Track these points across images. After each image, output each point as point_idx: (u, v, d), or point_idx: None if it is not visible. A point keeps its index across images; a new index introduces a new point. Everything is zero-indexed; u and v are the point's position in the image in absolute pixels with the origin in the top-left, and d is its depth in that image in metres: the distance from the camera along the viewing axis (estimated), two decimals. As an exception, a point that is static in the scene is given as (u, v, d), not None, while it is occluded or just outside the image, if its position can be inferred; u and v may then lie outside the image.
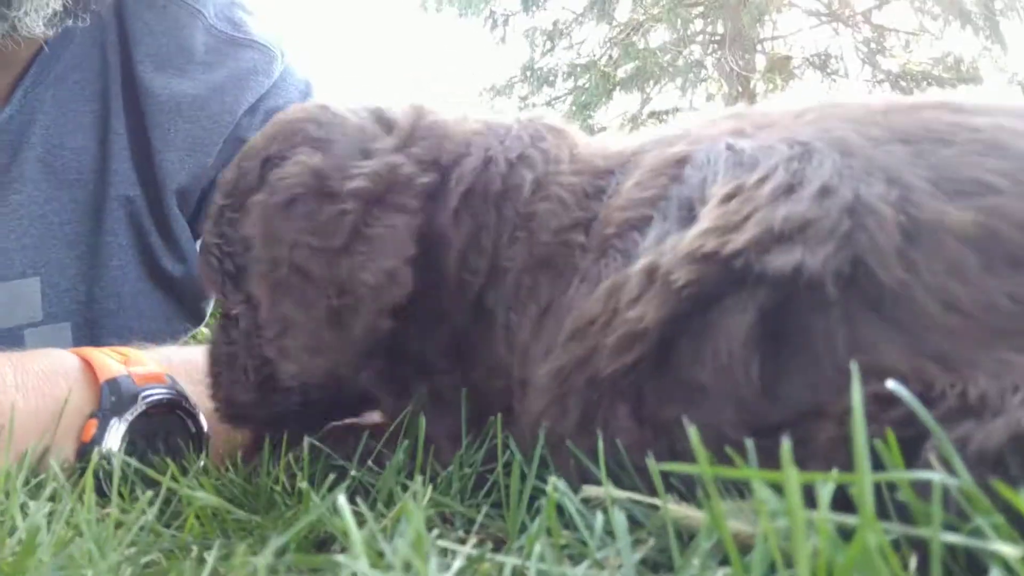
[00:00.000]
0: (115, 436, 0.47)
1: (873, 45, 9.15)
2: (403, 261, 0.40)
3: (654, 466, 0.27)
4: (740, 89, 8.67)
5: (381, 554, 0.25)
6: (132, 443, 0.47)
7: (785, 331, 0.30)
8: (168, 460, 0.39)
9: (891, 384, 0.25)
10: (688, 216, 0.33)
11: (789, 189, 0.31)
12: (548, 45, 9.31)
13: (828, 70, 9.20)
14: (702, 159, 0.35)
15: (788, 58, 9.17)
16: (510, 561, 0.25)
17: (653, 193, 0.36)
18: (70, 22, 0.69)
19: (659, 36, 9.09)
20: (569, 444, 0.34)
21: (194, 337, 0.98)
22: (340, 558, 0.24)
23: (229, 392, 0.48)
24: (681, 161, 0.36)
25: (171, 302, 0.86)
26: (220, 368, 0.48)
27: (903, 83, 8.99)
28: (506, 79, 9.25)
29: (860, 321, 0.29)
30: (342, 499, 0.25)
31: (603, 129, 9.05)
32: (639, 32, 9.11)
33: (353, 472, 0.41)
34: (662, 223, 0.34)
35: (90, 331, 0.81)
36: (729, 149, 0.34)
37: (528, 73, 9.24)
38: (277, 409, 0.47)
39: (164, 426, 0.50)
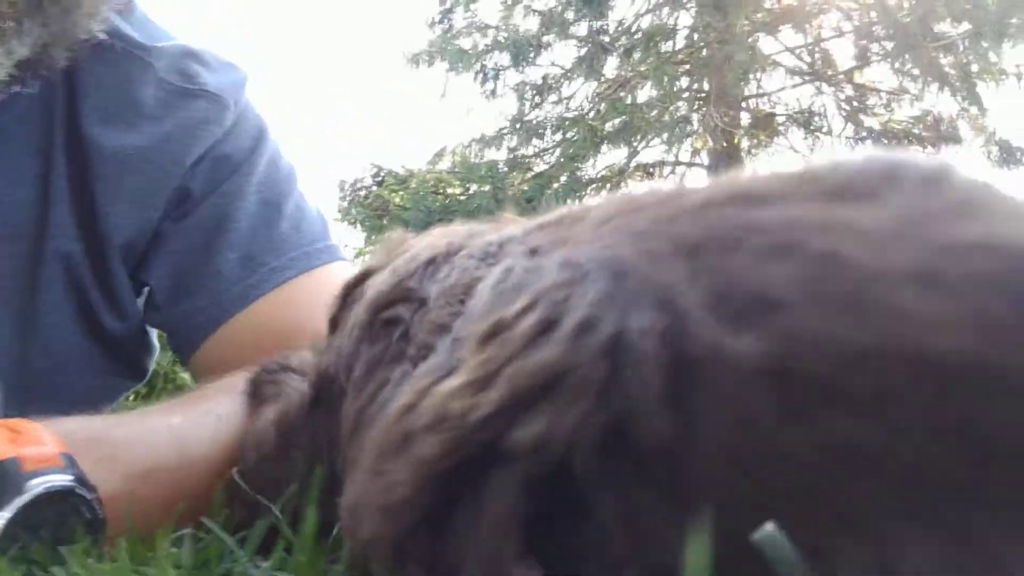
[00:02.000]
0: (-7, 529, 0.42)
1: (855, 104, 9.35)
2: None
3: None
4: (725, 144, 8.80)
5: None
6: (13, 537, 0.43)
7: (553, 510, 0.25)
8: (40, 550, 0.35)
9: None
10: (453, 356, 0.29)
11: (547, 326, 0.25)
12: (537, 99, 9.47)
13: (811, 127, 9.37)
14: (486, 282, 0.31)
15: (772, 115, 9.35)
16: None
17: (445, 318, 0.33)
18: (17, 88, 0.67)
19: (646, 92, 9.25)
20: None
21: (136, 393, 0.94)
22: None
23: None
24: (475, 284, 0.32)
25: (109, 359, 0.82)
26: None
27: (884, 140, 9.16)
28: (495, 130, 9.38)
29: (630, 495, 0.23)
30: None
31: (591, 182, 9.15)
32: (626, 88, 9.28)
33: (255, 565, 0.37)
34: (434, 358, 0.30)
35: (25, 391, 0.77)
36: (505, 271, 0.30)
37: (517, 125, 9.36)
38: None
39: (54, 514, 0.45)
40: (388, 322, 0.37)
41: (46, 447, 0.47)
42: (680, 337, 0.23)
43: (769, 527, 0.20)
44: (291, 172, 0.86)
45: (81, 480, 0.47)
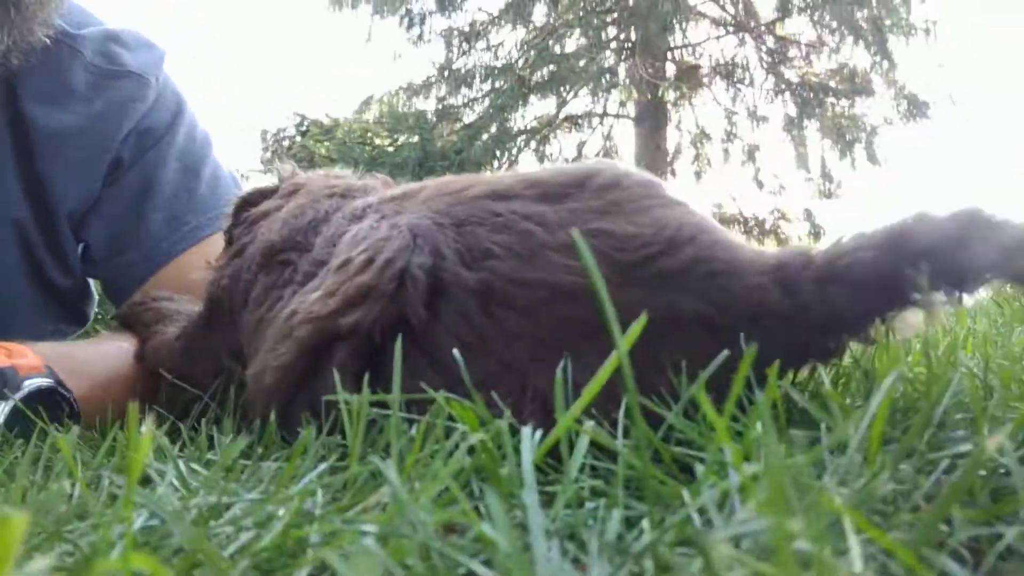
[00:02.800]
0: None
1: (776, 56, 9.62)
2: None
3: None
4: (649, 96, 9.00)
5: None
6: (16, 421, 0.59)
7: (375, 364, 0.44)
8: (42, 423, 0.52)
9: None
10: (323, 280, 0.48)
11: (368, 263, 0.44)
12: (465, 46, 9.40)
13: (734, 79, 9.64)
14: (348, 235, 0.50)
15: (696, 67, 9.55)
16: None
17: (324, 256, 0.51)
18: None
19: (574, 42, 9.31)
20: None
21: (86, 333, 1.08)
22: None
23: None
24: (342, 235, 0.51)
25: (57, 309, 0.95)
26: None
27: (803, 93, 9.53)
28: (423, 78, 9.29)
29: (409, 353, 0.40)
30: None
31: (520, 133, 9.25)
32: (554, 36, 9.31)
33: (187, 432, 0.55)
34: (315, 281, 0.49)
35: None
36: (360, 229, 0.49)
37: (445, 74, 9.30)
38: None
39: (43, 407, 0.61)
40: (282, 263, 0.54)
41: (32, 359, 0.63)
42: (439, 271, 0.44)
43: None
44: (207, 140, 1.01)
45: (60, 383, 0.63)
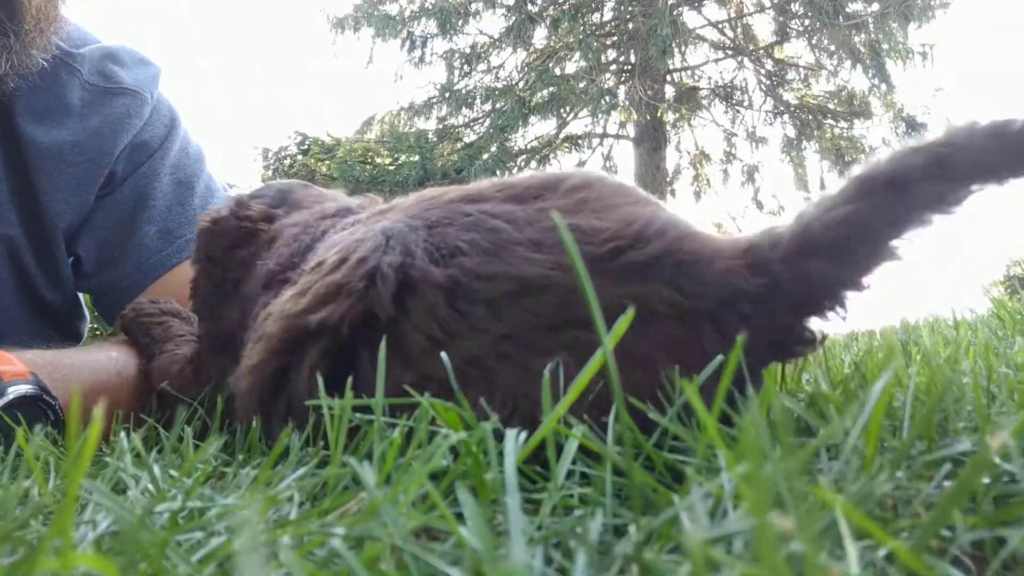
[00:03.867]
0: (-18, 422, 0.57)
1: (775, 78, 9.69)
2: None
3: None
4: (649, 117, 9.05)
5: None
6: (-3, 427, 0.58)
7: (342, 360, 0.43)
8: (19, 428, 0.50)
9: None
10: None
11: (341, 263, 0.45)
12: (466, 68, 9.48)
13: (733, 101, 9.70)
14: (327, 242, 0.50)
15: (695, 89, 9.62)
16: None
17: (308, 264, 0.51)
18: None
19: (574, 64, 9.38)
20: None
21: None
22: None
23: None
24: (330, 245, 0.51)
25: (48, 326, 0.94)
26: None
27: (802, 115, 9.59)
28: (424, 99, 9.36)
29: (373, 348, 0.40)
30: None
31: (520, 153, 9.31)
32: (554, 59, 9.38)
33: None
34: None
35: None
36: (339, 236, 0.50)
37: (447, 94, 9.38)
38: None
39: (28, 414, 0.60)
40: (281, 282, 0.54)
41: (17, 366, 0.62)
42: (409, 268, 0.43)
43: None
44: (200, 155, 1.01)
45: (45, 390, 0.62)
